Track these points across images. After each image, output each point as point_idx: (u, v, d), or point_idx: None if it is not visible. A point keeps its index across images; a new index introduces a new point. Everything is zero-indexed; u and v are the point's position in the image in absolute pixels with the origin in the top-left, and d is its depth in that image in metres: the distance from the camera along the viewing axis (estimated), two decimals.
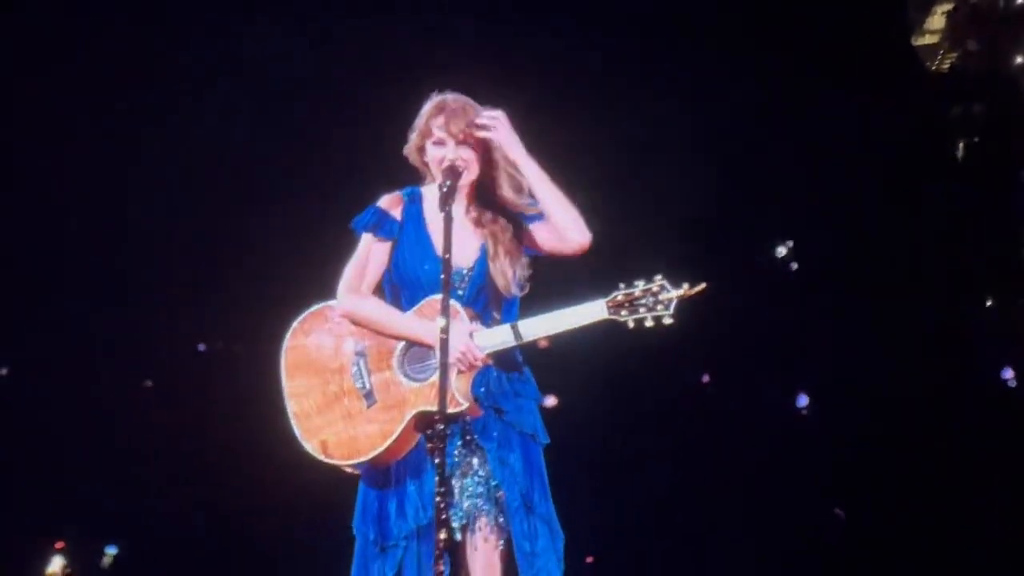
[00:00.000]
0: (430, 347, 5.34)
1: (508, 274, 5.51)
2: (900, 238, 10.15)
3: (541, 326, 5.37)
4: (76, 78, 9.81)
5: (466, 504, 5.41)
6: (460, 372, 5.32)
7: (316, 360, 5.50)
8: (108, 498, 9.89)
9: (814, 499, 10.07)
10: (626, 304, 5.31)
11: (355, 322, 5.51)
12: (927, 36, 12.77)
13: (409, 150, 5.62)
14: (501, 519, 5.40)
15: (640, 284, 5.32)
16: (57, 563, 9.93)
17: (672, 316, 5.30)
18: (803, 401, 10.30)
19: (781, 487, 9.95)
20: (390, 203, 5.62)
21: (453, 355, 5.29)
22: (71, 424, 9.89)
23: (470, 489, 5.44)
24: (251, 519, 9.86)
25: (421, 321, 5.40)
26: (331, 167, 9.63)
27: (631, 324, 5.32)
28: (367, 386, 5.47)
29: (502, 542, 5.39)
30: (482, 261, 5.52)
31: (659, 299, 5.31)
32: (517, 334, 5.37)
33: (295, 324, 5.54)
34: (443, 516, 5.12)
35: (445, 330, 5.16)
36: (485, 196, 5.58)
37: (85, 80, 9.80)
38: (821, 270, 10.00)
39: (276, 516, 9.77)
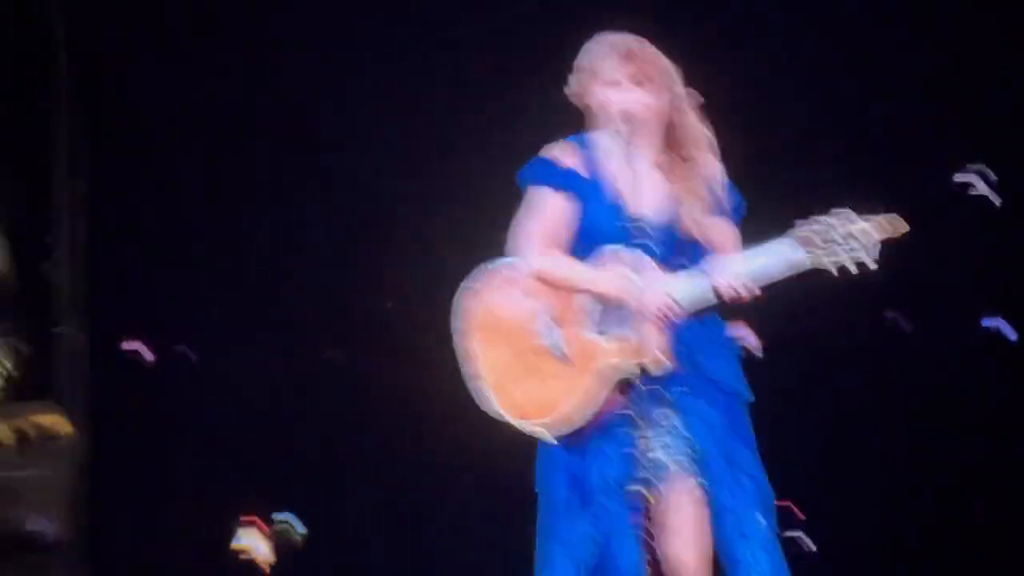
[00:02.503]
0: (624, 302, 5.15)
1: (700, 221, 5.30)
2: None
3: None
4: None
5: (665, 461, 5.26)
6: (656, 327, 5.13)
7: (501, 320, 5.36)
8: (299, 473, 9.94)
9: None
10: (814, 239, 5.06)
11: (544, 281, 5.35)
12: None
13: (575, 91, 5.39)
14: (701, 476, 5.24)
15: (827, 218, 5.07)
16: (248, 536, 9.97)
17: (874, 259, 5.06)
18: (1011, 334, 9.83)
19: (986, 426, 9.57)
20: (562, 152, 5.43)
21: (648, 309, 5.11)
22: (262, 401, 9.94)
23: (669, 446, 5.27)
24: (439, 486, 9.82)
25: (612, 276, 5.22)
26: (488, 117, 9.47)
27: (835, 271, 5.09)
28: (557, 344, 5.31)
29: (702, 499, 5.23)
30: (671, 209, 5.31)
31: (852, 234, 5.06)
32: (714, 284, 5.17)
33: (477, 285, 5.38)
34: (640, 474, 4.98)
35: (637, 284, 4.97)
36: (670, 140, 5.36)
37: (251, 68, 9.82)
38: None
39: (464, 481, 9.71)
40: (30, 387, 10.53)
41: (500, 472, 7.05)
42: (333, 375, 10.02)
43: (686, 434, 5.11)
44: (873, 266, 4.98)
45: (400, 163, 9.75)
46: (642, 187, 5.11)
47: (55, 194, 9.70)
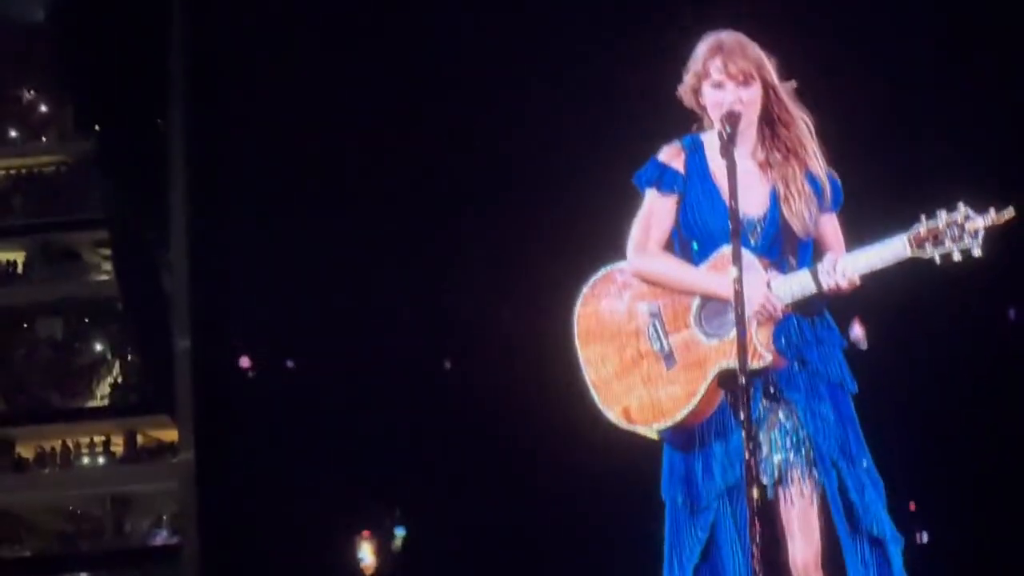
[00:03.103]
0: (727, 301, 5.11)
1: (804, 215, 5.25)
2: None
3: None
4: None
5: (776, 459, 5.19)
6: (760, 324, 5.09)
7: (609, 325, 5.32)
8: (408, 481, 9.99)
9: None
10: (930, 238, 4.98)
11: (647, 281, 5.31)
12: None
13: (685, 92, 5.37)
14: (814, 472, 5.17)
15: (943, 214, 4.98)
16: (366, 550, 10.05)
17: (980, 247, 4.96)
18: None
19: None
20: (671, 155, 5.38)
21: (751, 307, 5.05)
22: (368, 410, 10.01)
23: (779, 443, 5.21)
24: (556, 494, 9.81)
25: (715, 275, 5.18)
26: (609, 121, 9.45)
27: (937, 260, 4.99)
28: (665, 347, 5.27)
29: (817, 496, 5.16)
30: (774, 206, 5.26)
31: (965, 229, 4.97)
32: (817, 280, 5.10)
33: (585, 290, 5.36)
34: (753, 473, 4.91)
35: (739, 282, 4.92)
36: (771, 135, 5.32)
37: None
38: None
39: (581, 490, 9.69)
40: (144, 399, 10.70)
41: (629, 481, 7.02)
42: (449, 384, 10.09)
43: (801, 433, 5.07)
44: (978, 253, 4.91)
45: (516, 168, 9.79)
46: (746, 185, 5.08)
47: (172, 211, 9.89)
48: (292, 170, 9.87)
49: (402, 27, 9.85)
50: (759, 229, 5.24)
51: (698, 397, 5.12)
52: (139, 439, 24.28)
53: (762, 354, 5.02)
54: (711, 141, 5.28)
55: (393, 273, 10.10)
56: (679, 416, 5.13)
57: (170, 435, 9.99)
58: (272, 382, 10.17)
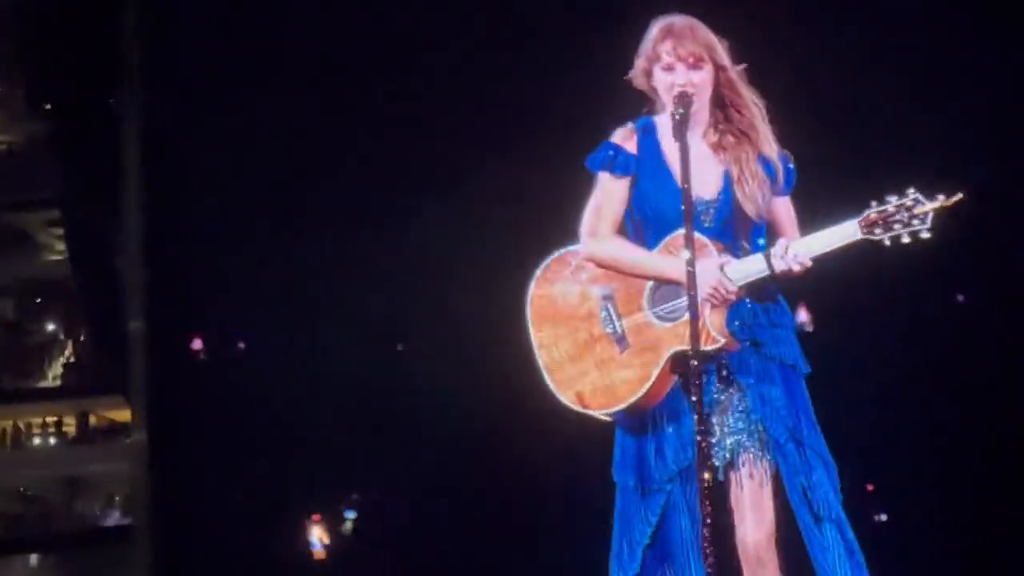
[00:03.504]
0: (680, 284, 5.13)
1: (757, 198, 5.28)
2: None
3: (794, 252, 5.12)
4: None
5: (728, 442, 5.23)
6: (713, 307, 5.12)
7: (562, 308, 5.34)
8: (358, 461, 10.00)
9: None
10: (880, 222, 5.04)
11: (600, 265, 5.33)
12: None
13: (636, 75, 5.39)
14: (766, 455, 5.21)
15: (893, 199, 5.03)
16: (317, 533, 10.05)
17: (929, 230, 5.02)
18: None
19: None
20: (623, 137, 5.40)
21: (704, 290, 5.09)
22: (320, 394, 10.01)
23: (731, 426, 5.25)
24: (507, 477, 9.84)
25: (669, 258, 5.20)
26: (562, 103, 9.46)
27: (887, 242, 5.05)
28: (618, 330, 5.29)
29: (769, 478, 5.20)
30: (727, 188, 5.29)
31: (914, 213, 5.03)
32: (769, 263, 5.14)
33: (538, 273, 5.38)
34: (705, 456, 4.94)
35: (691, 264, 4.95)
36: (724, 118, 5.34)
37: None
38: None
39: (532, 472, 9.72)
40: (97, 379, 10.68)
41: (581, 463, 7.05)
42: (401, 367, 10.11)
43: (752, 415, 5.11)
44: (927, 235, 4.98)
45: (467, 152, 9.80)
46: (699, 168, 5.11)
47: (126, 192, 9.84)
48: (249, 151, 9.84)
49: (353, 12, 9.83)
50: (712, 211, 5.28)
51: (651, 381, 5.15)
52: (92, 420, 24.25)
53: (715, 337, 5.05)
54: (664, 123, 5.31)
55: (348, 256, 10.09)
56: (632, 400, 5.17)
57: (123, 416, 9.95)
58: (225, 365, 10.15)
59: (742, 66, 5.31)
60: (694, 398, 4.88)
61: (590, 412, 5.23)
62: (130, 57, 9.84)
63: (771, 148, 5.30)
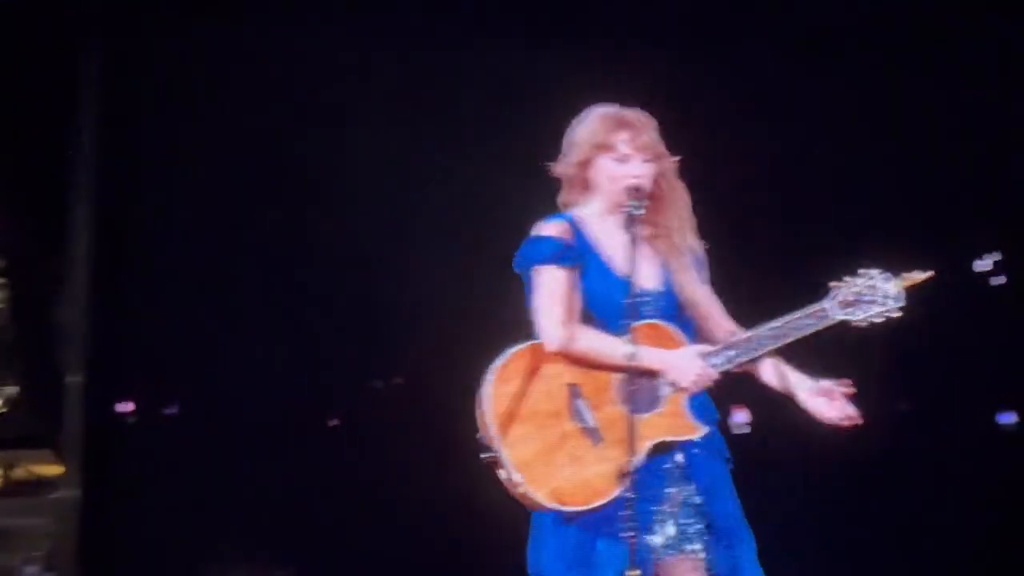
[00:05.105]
0: (656, 375, 5.16)
1: (693, 287, 5.37)
2: None
3: (773, 336, 5.16)
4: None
5: (659, 543, 5.24)
6: (687, 396, 5.17)
7: (527, 405, 5.24)
8: (292, 537, 9.89)
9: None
10: (854, 302, 5.11)
11: (571, 357, 5.30)
12: None
13: (568, 164, 5.41)
14: (703, 546, 5.24)
15: (862, 275, 5.12)
16: None
17: (901, 309, 5.10)
18: (1008, 418, 9.88)
19: (986, 508, 9.60)
20: (559, 230, 5.42)
21: (687, 379, 5.14)
22: (249, 464, 9.91)
23: (669, 523, 5.26)
24: (437, 555, 9.77)
25: (646, 348, 5.21)
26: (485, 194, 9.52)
27: (864, 324, 5.12)
28: (591, 424, 5.27)
29: (707, 564, 5.24)
30: (667, 279, 5.36)
31: (886, 292, 5.09)
32: (750, 347, 5.19)
33: (496, 369, 5.26)
34: (637, 557, 4.95)
35: (672, 355, 4.99)
36: (657, 210, 5.41)
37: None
38: None
39: (462, 552, 9.66)
40: (26, 432, 10.49)
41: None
42: (338, 443, 10.06)
43: (698, 501, 5.08)
44: (898, 314, 5.02)
45: (399, 238, 9.83)
46: (640, 260, 5.12)
47: (73, 242, 9.73)
48: (200, 207, 9.78)
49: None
50: (660, 302, 5.32)
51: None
52: (18, 473, 23.74)
53: (695, 426, 5.10)
54: (589, 216, 5.36)
55: (285, 326, 10.05)
56: (614, 494, 5.13)
57: (49, 470, 9.79)
58: (159, 428, 10.04)
59: (677, 158, 5.39)
60: (634, 496, 4.89)
61: (568, 510, 5.16)
62: (85, 104, 9.77)
63: (695, 238, 5.39)
